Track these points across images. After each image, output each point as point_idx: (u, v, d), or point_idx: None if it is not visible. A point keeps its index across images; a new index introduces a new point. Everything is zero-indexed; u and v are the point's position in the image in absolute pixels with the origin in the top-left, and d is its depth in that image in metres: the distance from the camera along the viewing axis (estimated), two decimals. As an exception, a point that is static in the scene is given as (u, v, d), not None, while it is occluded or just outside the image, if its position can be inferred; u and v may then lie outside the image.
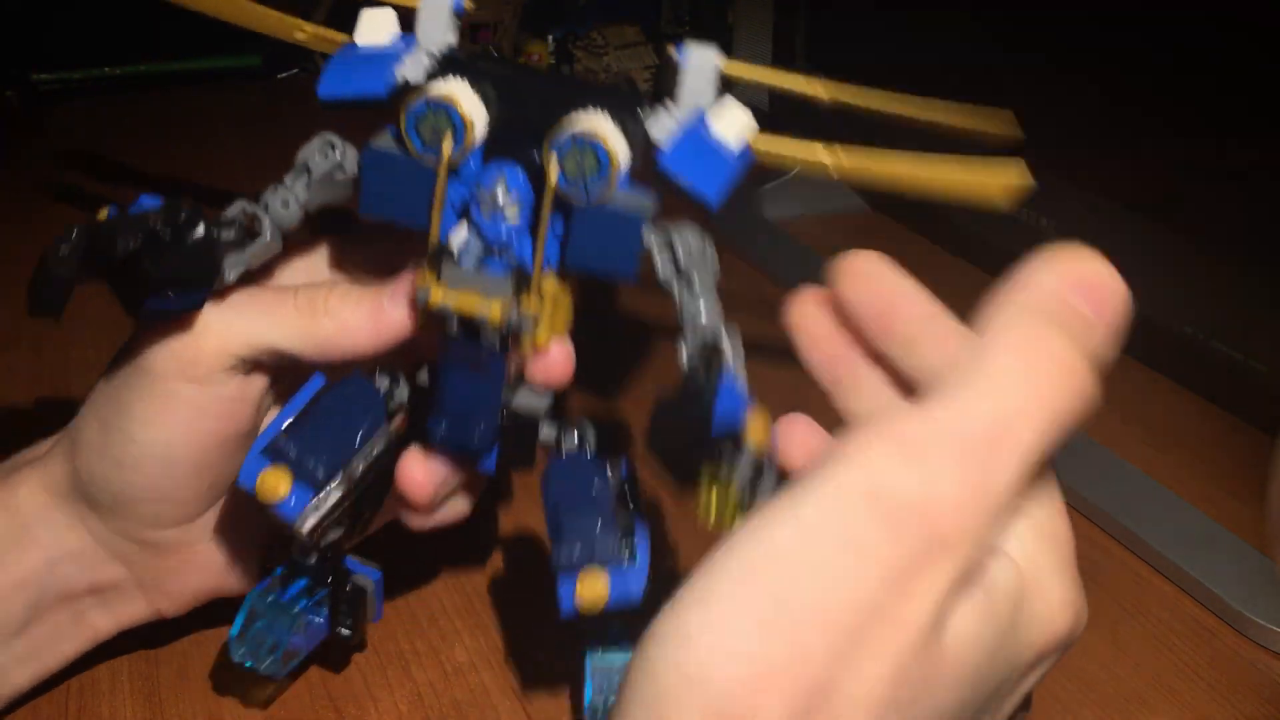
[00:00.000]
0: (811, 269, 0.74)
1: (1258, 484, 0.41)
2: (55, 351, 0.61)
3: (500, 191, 0.30)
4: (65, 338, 0.62)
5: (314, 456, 0.32)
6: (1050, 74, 0.57)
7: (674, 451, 0.29)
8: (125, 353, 0.34)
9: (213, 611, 0.43)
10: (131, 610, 0.38)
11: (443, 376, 0.32)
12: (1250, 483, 0.49)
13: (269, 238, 0.33)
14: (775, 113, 0.80)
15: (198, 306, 0.32)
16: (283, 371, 0.35)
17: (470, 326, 0.31)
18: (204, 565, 0.38)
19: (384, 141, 0.31)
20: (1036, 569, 0.25)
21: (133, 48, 1.10)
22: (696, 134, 0.30)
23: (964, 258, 0.71)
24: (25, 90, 1.08)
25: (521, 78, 0.31)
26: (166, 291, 0.31)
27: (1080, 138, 0.56)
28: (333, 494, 0.33)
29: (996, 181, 0.30)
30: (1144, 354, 0.59)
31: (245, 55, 1.10)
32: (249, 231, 0.33)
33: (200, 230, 0.31)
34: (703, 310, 0.31)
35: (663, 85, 0.31)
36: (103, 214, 0.32)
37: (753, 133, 0.31)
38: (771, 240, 0.73)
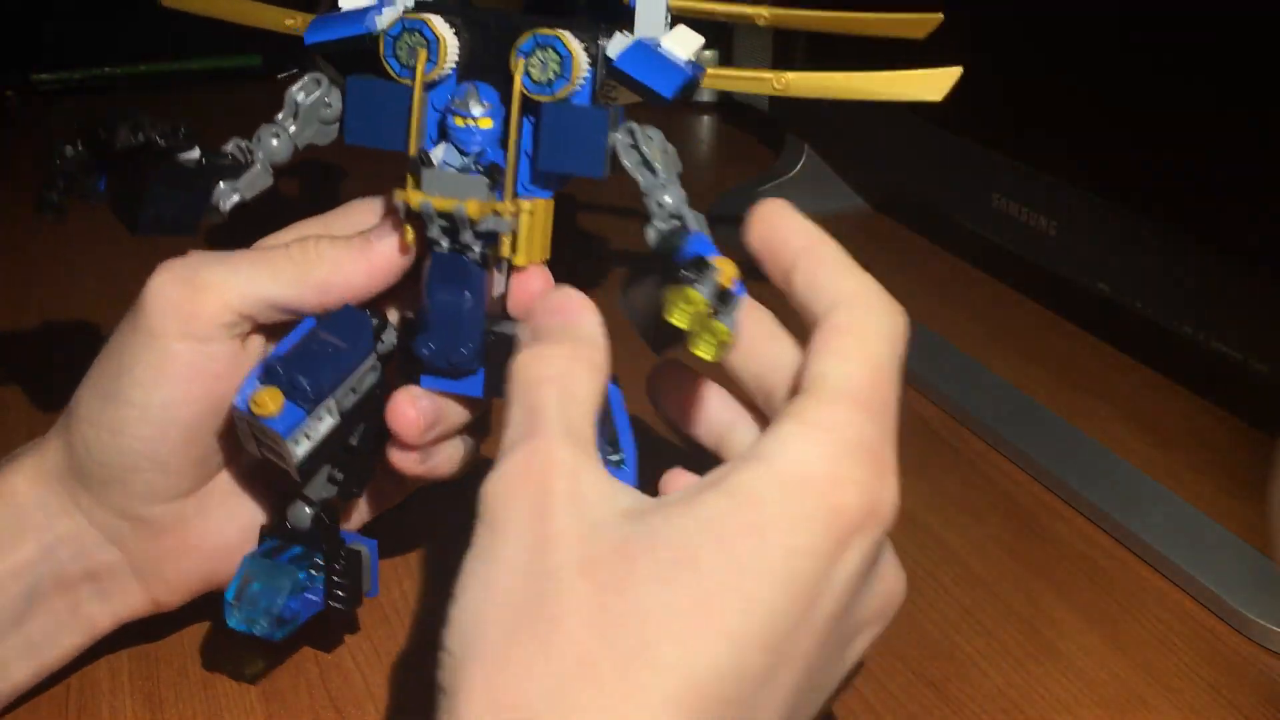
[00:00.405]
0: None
1: (1258, 484, 0.41)
2: (55, 351, 0.61)
3: (472, 101, 0.33)
4: (65, 338, 0.62)
5: (305, 376, 0.33)
6: (1051, 74, 0.57)
7: (647, 311, 0.29)
8: (124, 322, 0.35)
9: (213, 612, 0.43)
10: (129, 601, 0.38)
11: (427, 294, 0.34)
12: (1250, 483, 0.49)
13: (260, 168, 0.35)
14: (775, 109, 0.80)
15: (192, 231, 0.34)
16: (278, 329, 0.36)
17: (454, 235, 0.33)
18: (200, 548, 0.38)
19: (365, 75, 0.34)
20: (800, 462, 0.26)
21: (133, 48, 1.10)
22: (647, 47, 0.33)
23: (964, 258, 0.71)
24: (25, 90, 1.08)
25: (490, 11, 0.34)
26: (163, 201, 0.33)
27: (1080, 138, 0.56)
28: (325, 421, 0.34)
29: (930, 80, 0.34)
30: (1144, 354, 0.60)
31: (245, 55, 1.10)
32: (241, 162, 0.35)
33: (195, 148, 0.33)
34: (668, 194, 0.32)
35: (619, 20, 0.33)
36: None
37: (700, 50, 0.33)
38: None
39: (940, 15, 0.34)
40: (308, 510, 0.36)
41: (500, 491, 0.27)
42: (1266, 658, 0.41)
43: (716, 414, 0.33)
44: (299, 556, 0.36)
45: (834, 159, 0.79)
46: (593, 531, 0.25)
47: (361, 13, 0.33)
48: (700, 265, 0.28)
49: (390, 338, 0.36)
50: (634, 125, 0.33)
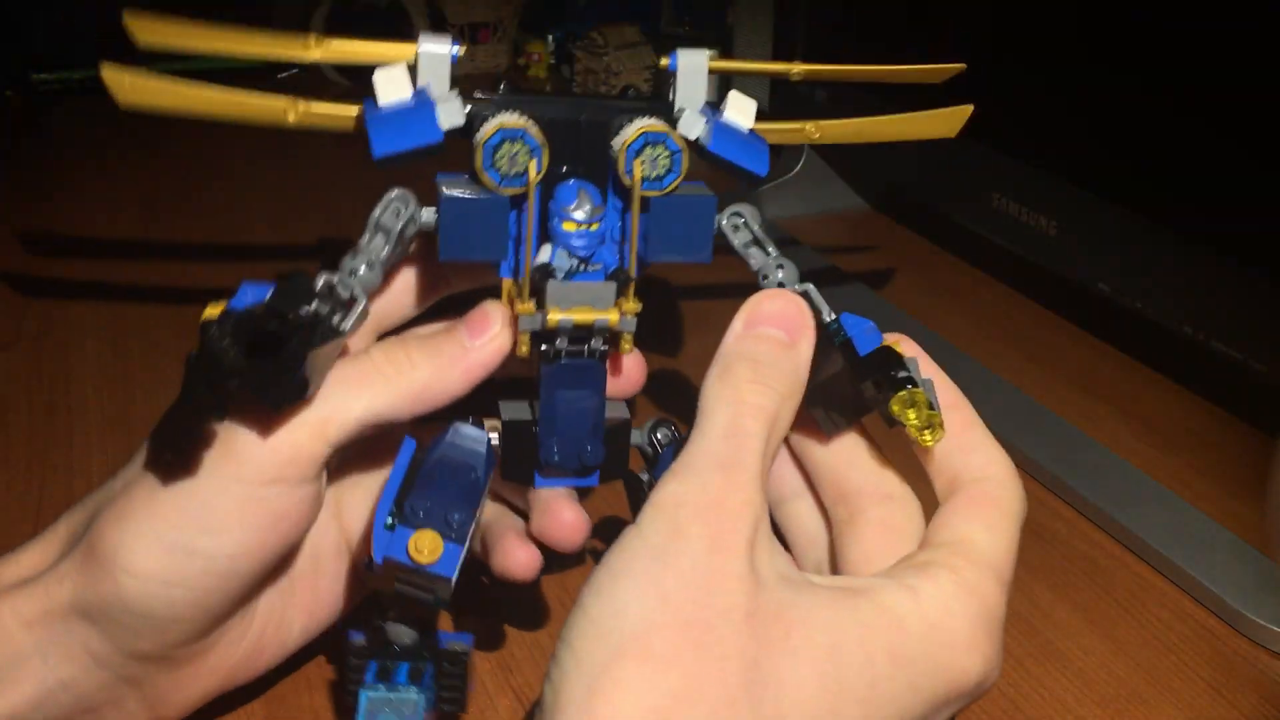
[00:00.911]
0: (812, 269, 0.74)
1: (1258, 484, 0.41)
2: (55, 352, 0.61)
3: (586, 204, 0.32)
4: (65, 338, 0.62)
5: (457, 512, 0.32)
6: (1051, 74, 0.57)
7: (837, 398, 0.31)
8: (192, 458, 0.31)
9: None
10: (131, 718, 0.34)
11: (548, 401, 0.33)
12: (1250, 483, 0.49)
13: (363, 305, 0.32)
14: (775, 109, 0.80)
15: (309, 391, 0.31)
16: (368, 448, 0.34)
17: (581, 340, 0.32)
18: (216, 671, 0.35)
19: (455, 188, 0.32)
20: (948, 613, 0.28)
21: (132, 48, 1.10)
22: (720, 124, 0.33)
23: (964, 258, 0.71)
24: (25, 90, 1.08)
25: (561, 103, 0.32)
26: (297, 370, 0.30)
27: (1080, 138, 0.56)
28: (471, 543, 0.32)
29: (945, 119, 0.37)
30: (1144, 354, 0.60)
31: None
32: (342, 303, 0.31)
33: (314, 310, 0.31)
34: (784, 270, 0.33)
35: (661, 90, 0.33)
36: (215, 309, 0.30)
37: (754, 110, 0.34)
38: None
39: (963, 65, 0.38)
40: (407, 627, 0.34)
41: (689, 503, 0.27)
42: (1266, 658, 0.41)
43: (788, 479, 0.34)
44: (410, 672, 0.34)
45: (834, 159, 0.79)
46: (760, 586, 0.26)
47: (421, 112, 0.31)
48: (893, 359, 0.30)
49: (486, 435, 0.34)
50: (738, 206, 0.34)
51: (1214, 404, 0.55)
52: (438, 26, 1.13)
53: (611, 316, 0.32)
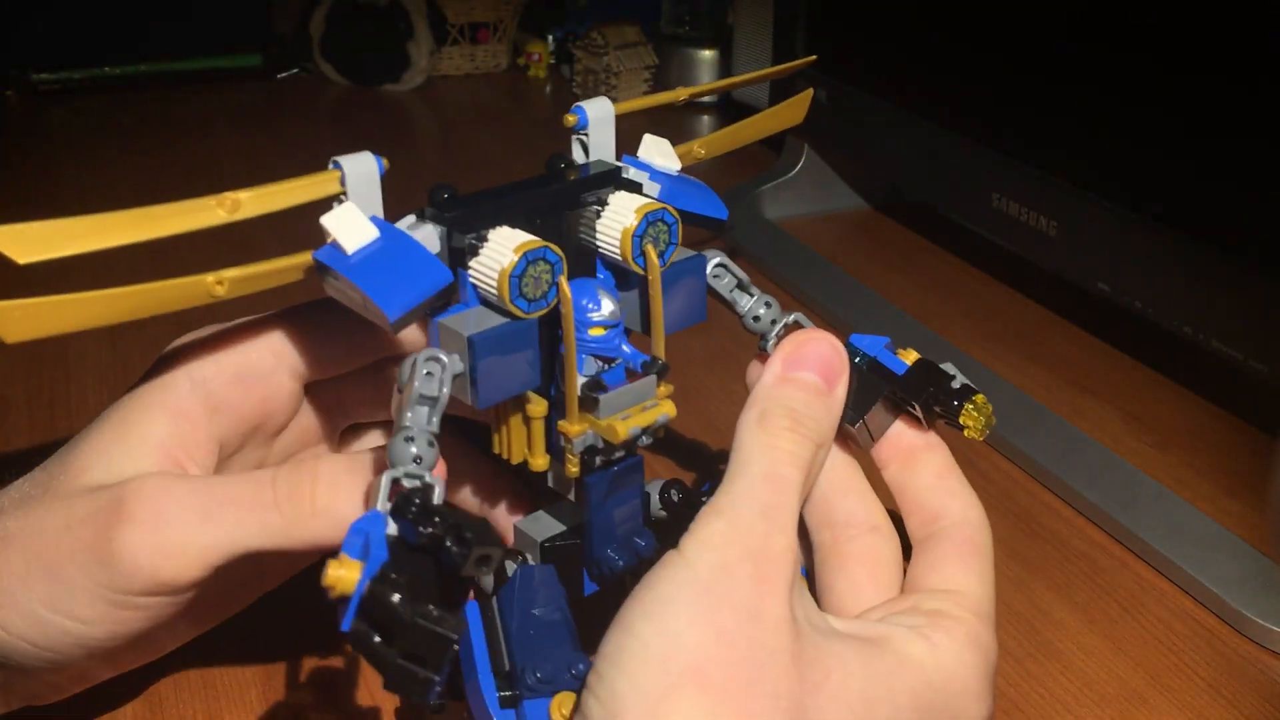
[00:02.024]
0: (811, 269, 0.74)
1: (1258, 484, 0.41)
2: (55, 352, 0.61)
3: (608, 302, 0.31)
4: (64, 338, 0.62)
5: (575, 663, 0.30)
6: (1052, 74, 0.57)
7: (872, 412, 0.33)
8: (75, 553, 0.30)
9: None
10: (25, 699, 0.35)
11: (599, 512, 0.32)
12: (1250, 483, 0.49)
13: (434, 487, 0.28)
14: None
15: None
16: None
17: (631, 446, 0.31)
18: (81, 679, 0.35)
19: (474, 323, 0.29)
20: (960, 664, 0.29)
21: (133, 48, 1.10)
22: (658, 173, 0.33)
23: (964, 258, 0.71)
24: (25, 90, 1.08)
25: (524, 198, 0.30)
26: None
27: (1080, 138, 0.56)
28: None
29: (790, 107, 0.38)
30: (1144, 354, 0.60)
31: (245, 55, 1.10)
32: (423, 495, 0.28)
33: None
34: (763, 306, 0.33)
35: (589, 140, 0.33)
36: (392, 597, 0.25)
37: (669, 148, 0.34)
38: (771, 240, 0.73)
39: (810, 90, 0.38)
40: None
41: (736, 543, 0.27)
42: (1266, 658, 0.41)
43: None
44: None
45: (834, 159, 0.79)
46: (799, 631, 0.27)
47: (405, 251, 0.28)
48: (935, 372, 0.32)
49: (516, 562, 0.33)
50: (716, 256, 0.33)
51: (1214, 404, 0.55)
52: (438, 26, 1.13)
53: (670, 410, 0.31)
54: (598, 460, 0.31)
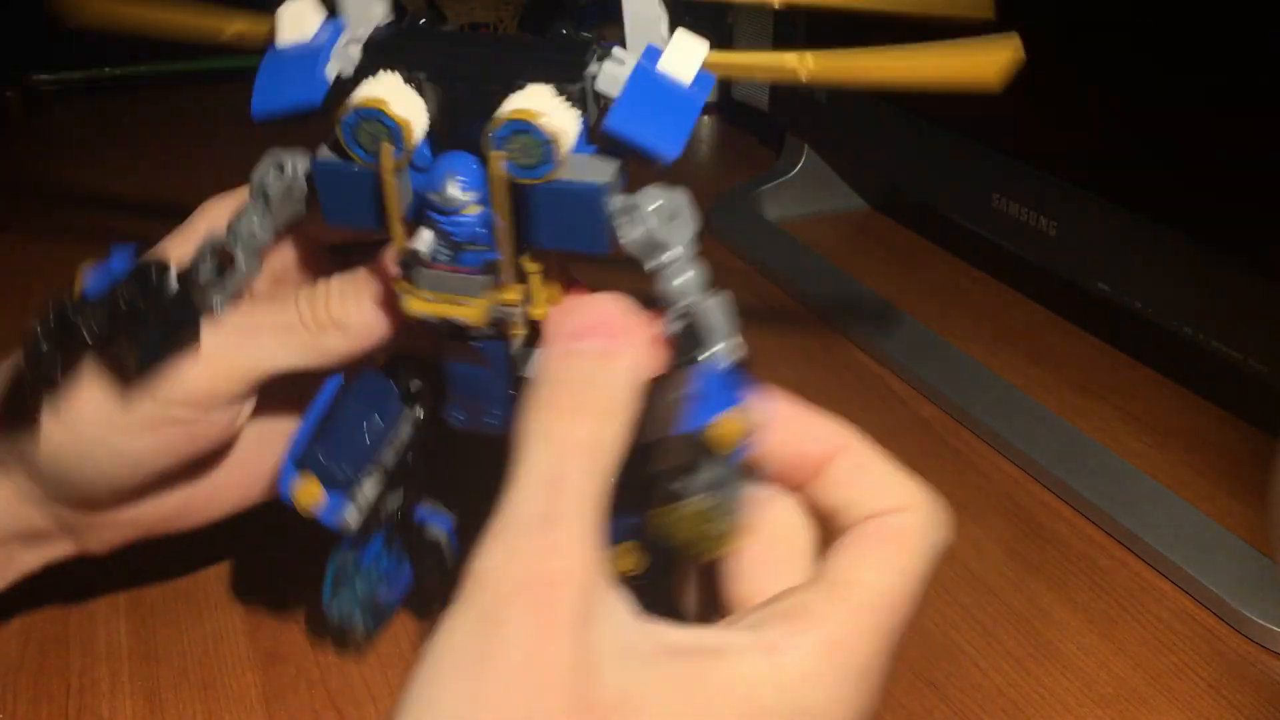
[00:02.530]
0: (811, 269, 0.74)
1: (1258, 484, 0.41)
2: None
3: (454, 189, 0.29)
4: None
5: (339, 462, 0.32)
6: (1051, 74, 0.57)
7: (649, 434, 0.27)
8: (105, 359, 0.33)
9: (214, 612, 0.43)
10: (59, 551, 0.38)
11: (446, 370, 0.33)
12: (1250, 483, 0.49)
13: (245, 268, 0.33)
14: (775, 109, 0.80)
15: (194, 347, 0.32)
16: (286, 383, 0.35)
17: (457, 326, 0.30)
18: (136, 523, 0.37)
19: (330, 152, 0.30)
20: (804, 680, 0.25)
21: (133, 48, 1.10)
22: (645, 80, 0.28)
23: (964, 258, 0.71)
24: (25, 90, 1.08)
25: (459, 54, 0.29)
26: (158, 353, 0.31)
27: (1080, 138, 0.55)
28: (368, 489, 0.33)
29: (986, 60, 0.28)
30: (1144, 354, 0.60)
31: (245, 55, 1.10)
32: (225, 264, 0.33)
33: (174, 287, 0.31)
34: (685, 281, 0.29)
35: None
36: (76, 286, 0.31)
37: (703, 56, 0.29)
38: (771, 240, 0.73)
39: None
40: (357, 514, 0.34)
41: (507, 577, 0.23)
42: (1266, 658, 0.41)
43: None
44: (384, 541, 0.36)
45: (834, 159, 0.79)
46: (595, 671, 0.23)
47: (309, 62, 0.29)
48: (700, 450, 0.26)
49: (415, 382, 0.35)
50: (640, 194, 0.29)
51: (1214, 404, 0.55)
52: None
53: (472, 316, 0.29)
54: (444, 332, 0.31)
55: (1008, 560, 0.46)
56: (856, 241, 0.76)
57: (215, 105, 1.05)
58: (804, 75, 0.28)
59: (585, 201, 0.28)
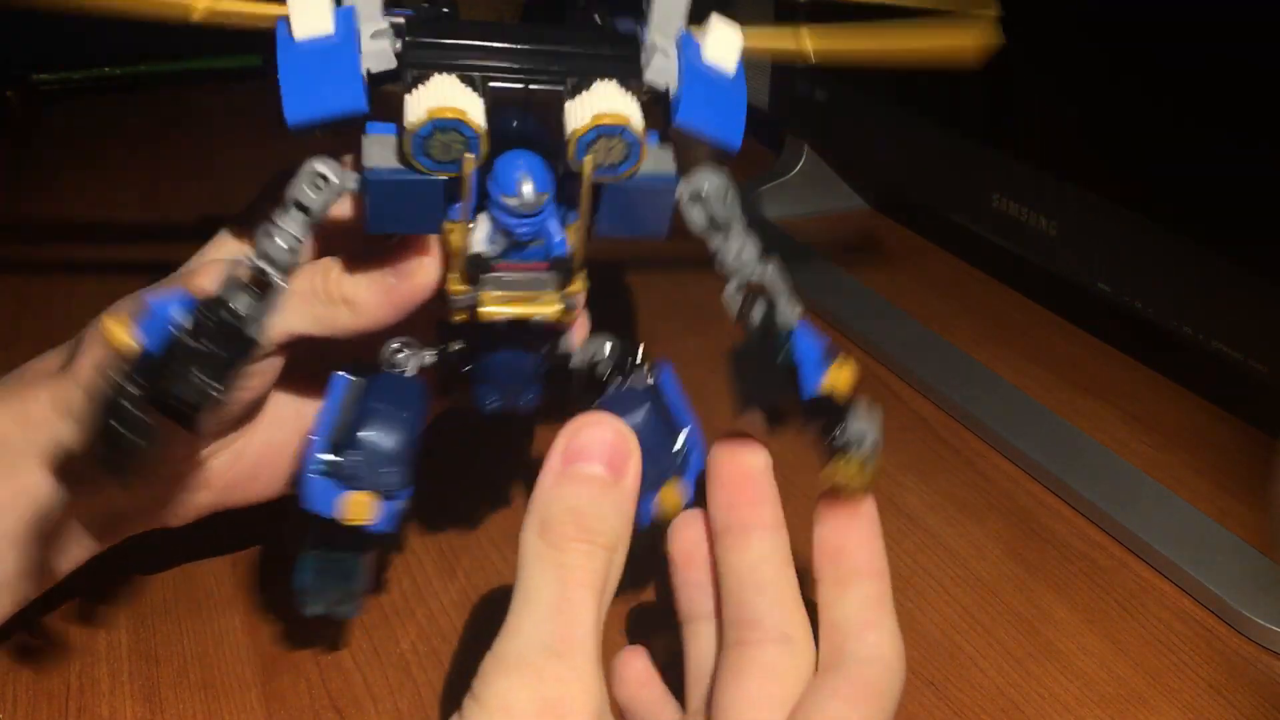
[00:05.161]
0: (811, 269, 0.74)
1: (1258, 484, 0.41)
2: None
3: (529, 191, 0.28)
4: (65, 338, 0.62)
5: (385, 471, 0.31)
6: (1052, 74, 0.57)
7: (764, 401, 0.30)
8: None
9: (214, 612, 0.43)
10: (133, 528, 0.39)
11: (491, 360, 0.33)
12: (1250, 483, 0.49)
13: (281, 288, 0.30)
14: (775, 109, 0.80)
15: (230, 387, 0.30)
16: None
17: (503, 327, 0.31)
18: (208, 485, 0.38)
19: (381, 156, 0.28)
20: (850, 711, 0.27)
21: (133, 48, 1.10)
22: (698, 72, 0.29)
23: (964, 258, 0.71)
24: (25, 90, 1.08)
25: (507, 51, 0.28)
26: (221, 391, 0.29)
27: (1080, 138, 0.56)
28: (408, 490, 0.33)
29: (963, 40, 0.31)
30: (1144, 354, 0.60)
31: (245, 55, 1.10)
32: (260, 288, 0.30)
33: (228, 323, 0.29)
34: (744, 253, 0.30)
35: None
36: (126, 342, 0.28)
37: (740, 45, 0.30)
38: (771, 240, 0.73)
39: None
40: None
41: (513, 709, 0.24)
42: (1266, 658, 0.41)
43: (699, 599, 0.32)
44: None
45: (834, 159, 0.79)
46: None
47: (340, 58, 0.28)
48: (834, 412, 0.29)
49: (421, 359, 0.34)
50: (698, 179, 0.30)
51: (1214, 404, 0.55)
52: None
53: (550, 310, 0.30)
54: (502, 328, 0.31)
55: (1008, 560, 0.46)
56: (856, 241, 0.76)
57: (215, 105, 1.05)
58: (811, 52, 0.30)
59: (660, 193, 0.29)
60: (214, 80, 1.10)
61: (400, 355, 0.34)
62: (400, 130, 0.28)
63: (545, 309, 0.30)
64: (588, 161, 0.28)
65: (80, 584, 0.41)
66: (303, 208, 0.29)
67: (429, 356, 0.34)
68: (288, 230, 0.29)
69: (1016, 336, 0.62)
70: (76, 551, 0.38)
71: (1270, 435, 0.41)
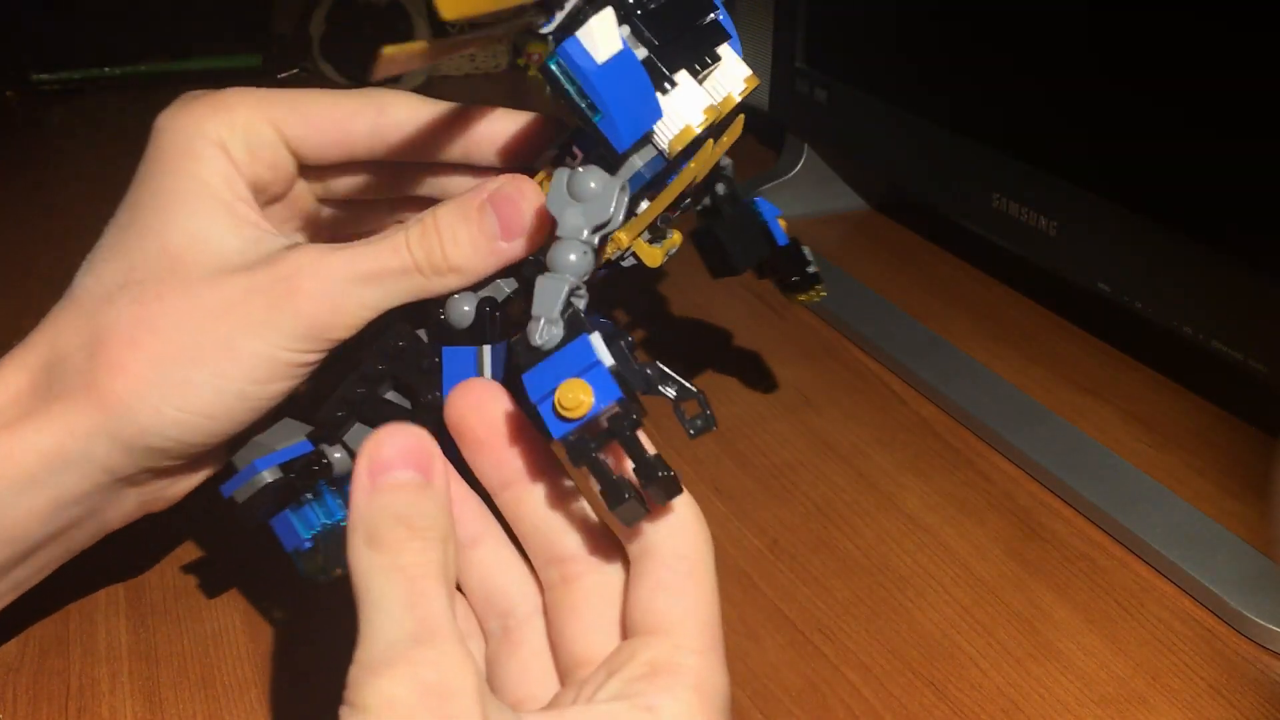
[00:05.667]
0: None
1: (1258, 484, 0.41)
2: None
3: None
4: None
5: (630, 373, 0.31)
6: (1052, 73, 0.57)
7: (752, 258, 0.41)
8: (249, 316, 0.34)
9: (214, 612, 0.43)
10: (126, 516, 0.38)
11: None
12: (1250, 483, 0.49)
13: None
14: (775, 109, 0.80)
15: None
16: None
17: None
18: (210, 463, 0.38)
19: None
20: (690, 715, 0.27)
21: (133, 48, 1.10)
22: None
23: (964, 258, 0.71)
24: (25, 90, 1.08)
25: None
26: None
27: (1081, 138, 0.55)
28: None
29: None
30: (1144, 354, 0.60)
31: (245, 55, 1.10)
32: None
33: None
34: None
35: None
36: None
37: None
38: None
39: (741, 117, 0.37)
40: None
41: (399, 704, 0.24)
42: (1266, 658, 0.41)
43: (468, 522, 0.32)
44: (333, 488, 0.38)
45: (834, 159, 0.79)
46: None
47: (644, 77, 0.29)
48: (801, 257, 0.43)
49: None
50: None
51: (1214, 404, 0.55)
52: (437, 27, 1.12)
53: (652, 257, 0.34)
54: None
55: (1008, 560, 0.46)
56: (856, 241, 0.76)
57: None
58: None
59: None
60: (214, 80, 1.09)
61: (466, 309, 0.35)
62: (675, 137, 0.30)
63: (651, 254, 0.33)
64: (709, 146, 0.33)
65: (80, 583, 0.41)
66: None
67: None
68: (582, 234, 0.30)
69: (1016, 336, 0.63)
70: (67, 547, 0.38)
71: (1270, 435, 0.41)
